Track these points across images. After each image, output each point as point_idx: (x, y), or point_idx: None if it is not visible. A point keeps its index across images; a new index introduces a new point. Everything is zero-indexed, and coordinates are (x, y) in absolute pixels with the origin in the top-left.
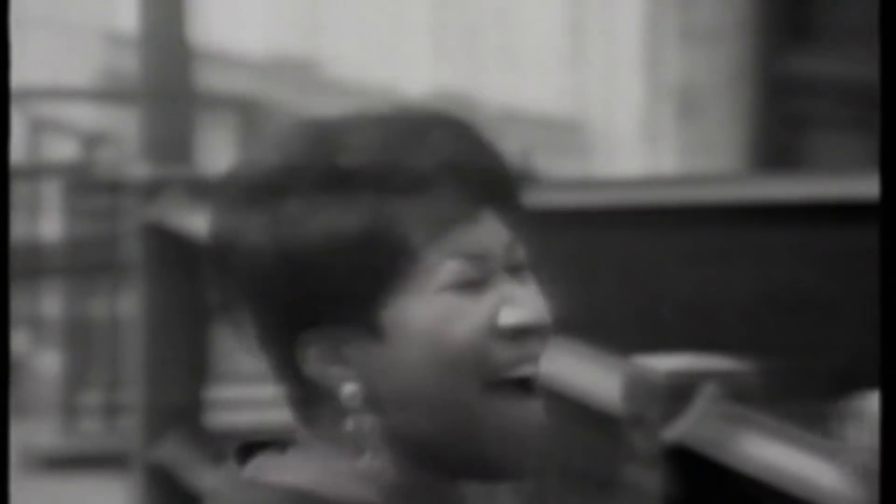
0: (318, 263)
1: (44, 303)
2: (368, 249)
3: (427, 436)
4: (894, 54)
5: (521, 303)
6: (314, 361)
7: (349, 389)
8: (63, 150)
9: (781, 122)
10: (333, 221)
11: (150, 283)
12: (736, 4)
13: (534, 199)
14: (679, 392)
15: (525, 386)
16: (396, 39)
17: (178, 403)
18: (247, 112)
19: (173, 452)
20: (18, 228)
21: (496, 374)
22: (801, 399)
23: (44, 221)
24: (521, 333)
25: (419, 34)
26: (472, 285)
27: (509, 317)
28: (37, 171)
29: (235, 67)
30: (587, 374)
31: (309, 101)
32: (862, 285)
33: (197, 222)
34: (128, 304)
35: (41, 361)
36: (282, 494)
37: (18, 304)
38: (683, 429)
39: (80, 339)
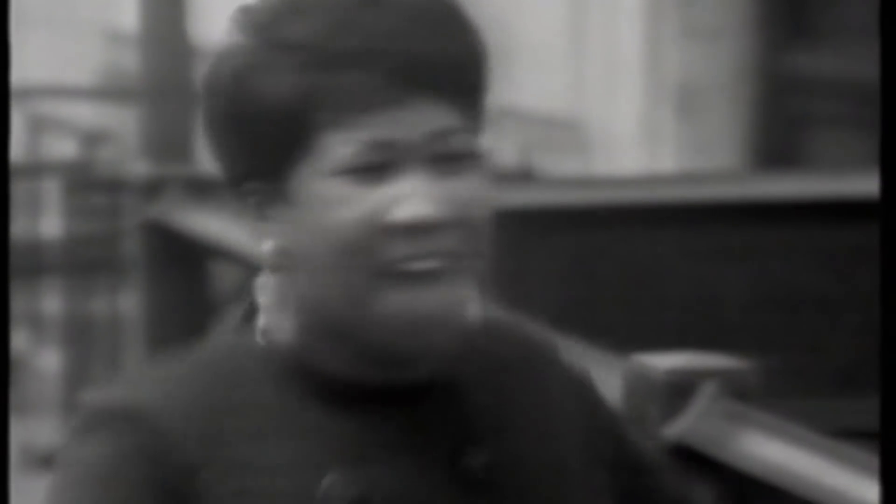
0: (245, 120)
1: (44, 301)
2: (281, 118)
3: (327, 311)
4: (894, 54)
5: (422, 197)
6: (249, 213)
7: (266, 246)
8: (63, 148)
9: (781, 121)
10: (262, 84)
11: (150, 281)
12: (736, 3)
13: (533, 197)
14: (679, 390)
15: (424, 279)
16: None
17: None
18: None
19: None
20: (18, 227)
21: (387, 266)
22: (802, 397)
23: (44, 220)
24: (417, 229)
25: None
26: (372, 173)
27: (399, 212)
28: (37, 170)
29: None
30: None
31: None
32: (862, 283)
33: (197, 221)
34: (128, 303)
35: (41, 359)
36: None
37: (19, 302)
38: (684, 427)
39: (80, 337)
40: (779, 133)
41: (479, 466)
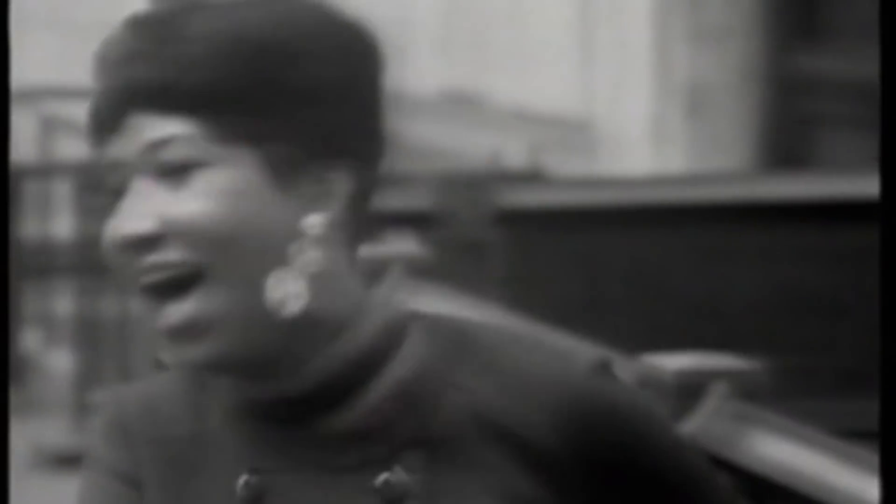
0: None
1: (55, 301)
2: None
3: None
4: (894, 54)
5: (132, 212)
6: None
7: None
8: (74, 148)
9: (789, 122)
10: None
11: None
12: (744, 4)
13: (543, 198)
14: (689, 391)
15: (159, 291)
16: (406, 38)
17: None
18: None
19: None
20: (30, 227)
21: (131, 280)
22: (811, 397)
23: (55, 220)
24: (133, 244)
25: (428, 33)
26: (115, 196)
27: (116, 230)
28: (48, 171)
29: None
30: None
31: None
32: (871, 284)
33: None
34: (138, 303)
35: (52, 360)
36: None
37: (30, 302)
38: (693, 428)
39: (91, 337)
40: (787, 133)
41: (398, 483)
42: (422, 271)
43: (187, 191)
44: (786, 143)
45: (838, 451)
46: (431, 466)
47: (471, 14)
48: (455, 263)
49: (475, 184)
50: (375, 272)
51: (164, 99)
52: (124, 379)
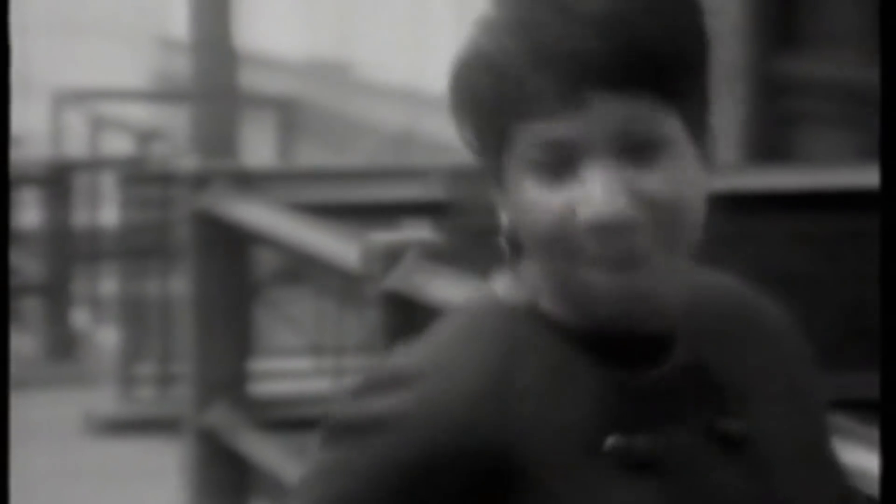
0: (467, 108)
1: (103, 283)
2: (484, 114)
3: (547, 285)
4: (894, 54)
5: (605, 196)
6: (491, 186)
7: (502, 219)
8: (120, 145)
9: (772, 119)
10: (475, 80)
11: (198, 265)
12: (730, 12)
13: None
14: None
15: (619, 266)
16: (422, 45)
17: (225, 374)
18: (286, 110)
19: (221, 418)
20: (80, 216)
21: (583, 255)
22: None
23: (102, 210)
24: (601, 229)
25: (443, 40)
26: (554, 174)
27: (584, 213)
28: (96, 165)
29: (276, 70)
30: None
31: (342, 101)
32: (848, 266)
33: (241, 210)
34: (179, 285)
35: (101, 336)
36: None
37: (80, 284)
38: None
39: (135, 316)
40: (770, 130)
41: (735, 432)
42: (435, 255)
43: (653, 169)
44: (768, 138)
45: None
46: (753, 418)
47: None
48: (465, 249)
49: (485, 176)
50: (394, 256)
51: (638, 78)
52: (166, 354)
